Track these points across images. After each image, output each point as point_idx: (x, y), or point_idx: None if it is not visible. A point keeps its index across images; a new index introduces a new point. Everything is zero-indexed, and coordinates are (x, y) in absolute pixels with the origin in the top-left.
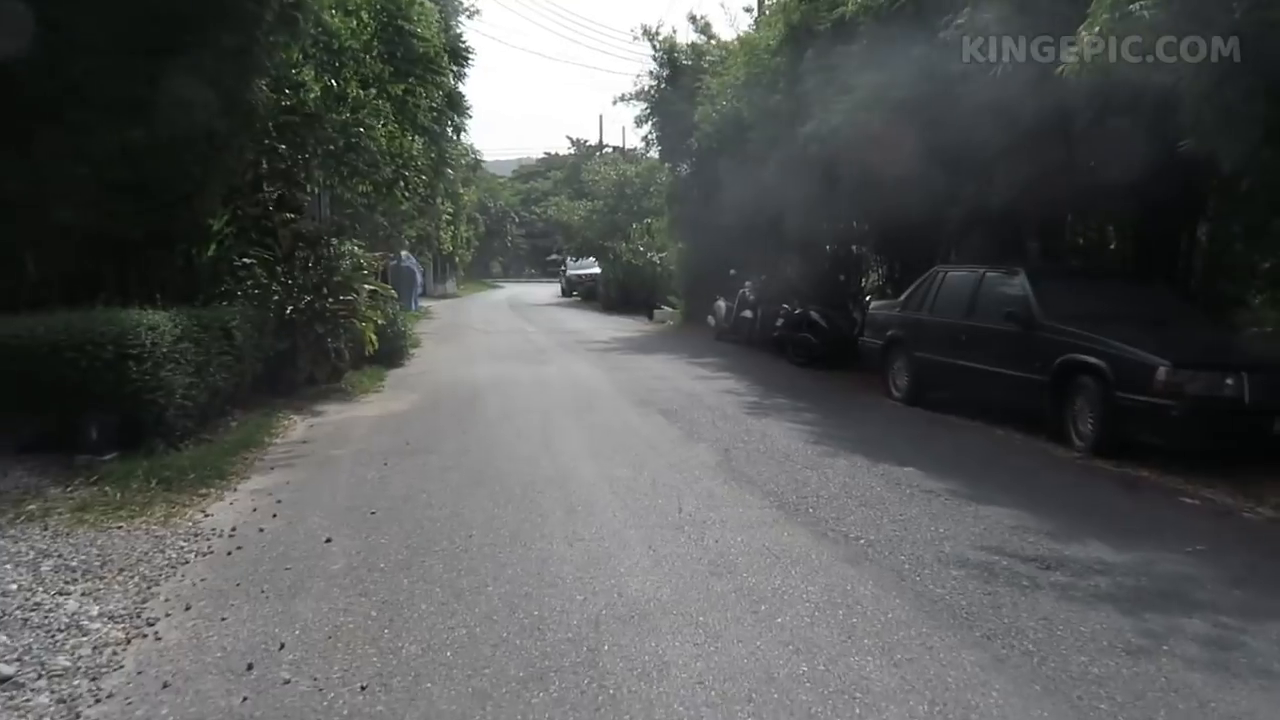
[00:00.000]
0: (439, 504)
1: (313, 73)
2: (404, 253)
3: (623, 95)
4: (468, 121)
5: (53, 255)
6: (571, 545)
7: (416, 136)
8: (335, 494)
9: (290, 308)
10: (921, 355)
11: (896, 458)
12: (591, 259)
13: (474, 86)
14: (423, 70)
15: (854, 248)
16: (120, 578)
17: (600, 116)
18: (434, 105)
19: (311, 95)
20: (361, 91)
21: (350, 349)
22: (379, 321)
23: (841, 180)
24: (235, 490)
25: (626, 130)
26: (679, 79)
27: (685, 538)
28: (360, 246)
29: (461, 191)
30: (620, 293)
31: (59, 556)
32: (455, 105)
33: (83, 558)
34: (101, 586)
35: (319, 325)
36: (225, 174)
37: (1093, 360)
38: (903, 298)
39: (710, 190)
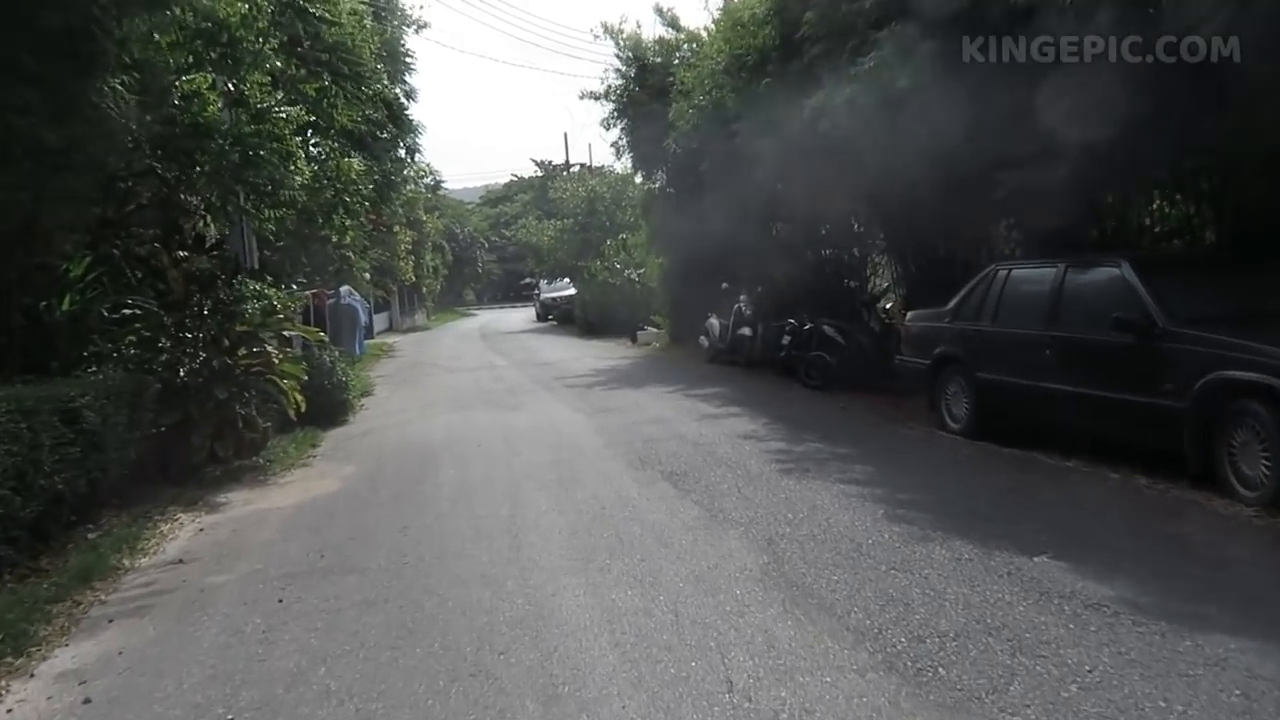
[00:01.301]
0: (342, 691)
1: (208, 79)
2: (344, 289)
3: (590, 93)
4: (420, 140)
5: None
6: None
7: (352, 155)
8: (184, 677)
9: (183, 369)
10: (986, 377)
11: (1013, 539)
12: (565, 280)
13: (432, 114)
14: (339, 63)
15: (855, 250)
16: None
17: (565, 135)
18: (365, 115)
19: (209, 105)
20: (264, 95)
21: (272, 412)
22: (302, 376)
23: (853, 163)
24: (30, 676)
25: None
26: (648, 78)
27: None
28: (293, 284)
29: (424, 218)
30: (598, 315)
31: None
32: (398, 118)
33: None
34: None
35: (220, 389)
36: (76, 202)
37: (1259, 379)
38: (951, 305)
39: (690, 197)
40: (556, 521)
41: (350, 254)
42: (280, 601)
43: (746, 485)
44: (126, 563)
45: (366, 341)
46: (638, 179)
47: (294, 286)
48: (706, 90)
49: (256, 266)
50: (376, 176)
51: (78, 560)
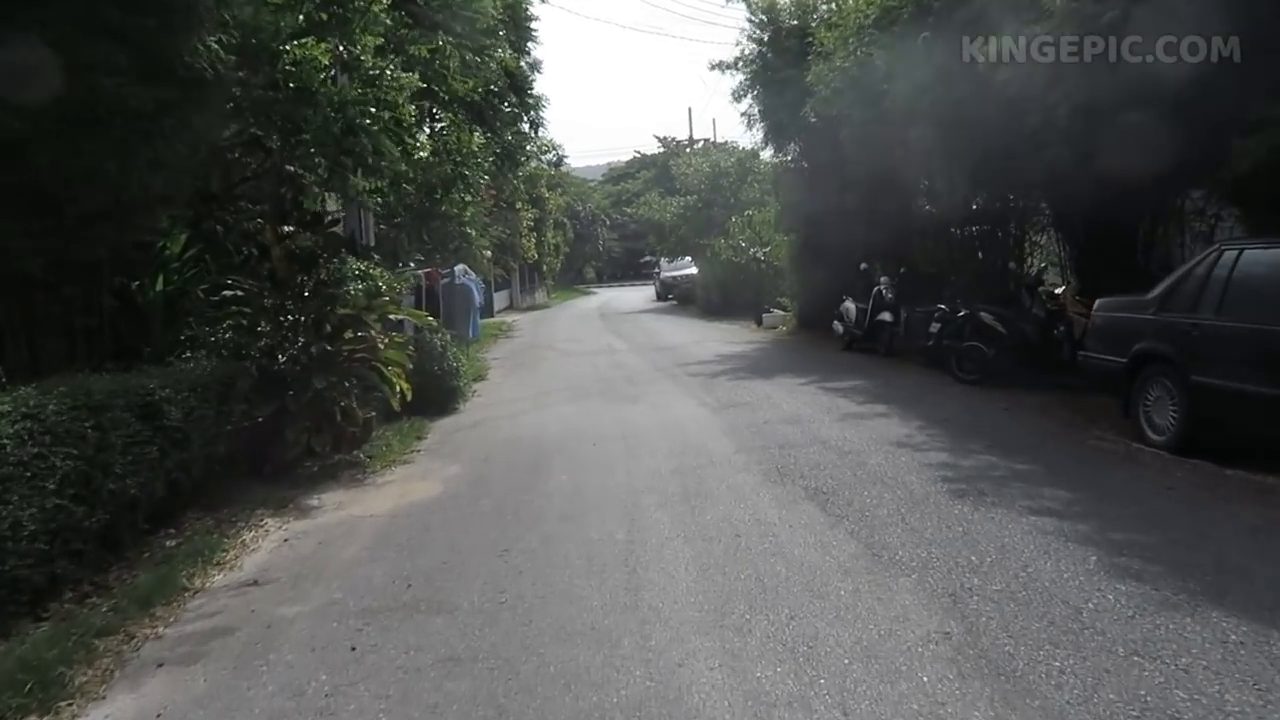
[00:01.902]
0: None
1: (320, 44)
2: (459, 268)
3: (720, 63)
4: (544, 114)
5: None
6: None
7: (473, 128)
8: None
9: (282, 355)
10: (1204, 381)
11: None
12: (687, 259)
13: (556, 89)
14: (454, 21)
15: (1012, 227)
16: None
17: (689, 109)
18: (485, 83)
19: (317, 66)
20: (375, 59)
21: (376, 402)
22: (407, 364)
23: (1032, 120)
24: None
25: (718, 122)
26: (783, 42)
27: None
28: (410, 262)
29: (547, 195)
30: (721, 295)
31: None
32: (520, 89)
33: None
34: None
35: (318, 378)
36: (170, 172)
37: None
38: (1157, 293)
39: (826, 170)
40: (682, 552)
41: (471, 230)
42: (353, 649)
43: (911, 512)
44: (198, 581)
45: (483, 321)
46: (767, 153)
47: (411, 264)
48: (850, 50)
49: (371, 243)
50: (497, 150)
51: (145, 578)
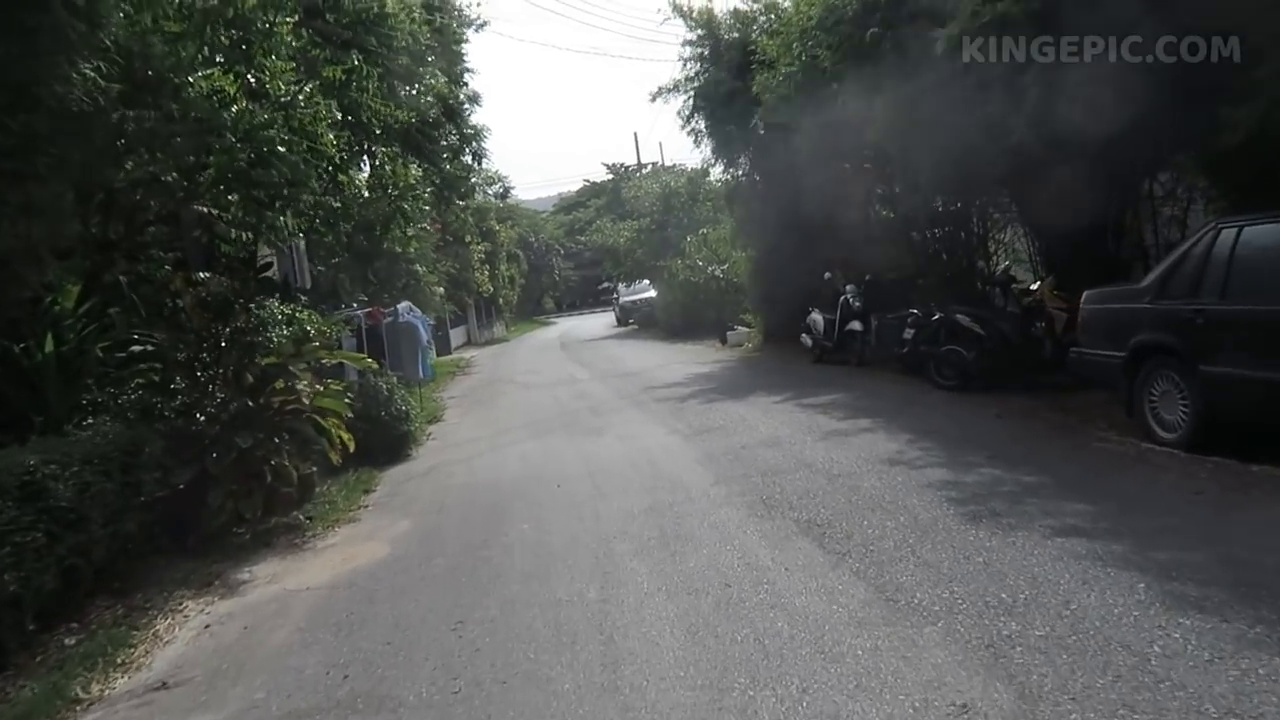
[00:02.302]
0: None
1: (228, 74)
2: (403, 305)
3: (660, 89)
4: (486, 145)
5: None
6: None
7: (409, 160)
8: None
9: (200, 415)
10: (1215, 371)
11: None
12: (645, 282)
13: (500, 123)
14: (368, 36)
15: (975, 226)
16: None
17: (635, 134)
18: (418, 112)
19: (224, 100)
20: (286, 85)
21: (316, 456)
22: (345, 412)
23: (999, 106)
24: None
25: (664, 145)
26: (724, 55)
27: None
28: (353, 303)
29: (497, 228)
30: (682, 316)
31: None
32: (455, 116)
33: None
34: None
35: (242, 436)
36: (50, 217)
37: None
38: (1151, 279)
39: (779, 180)
40: (665, 610)
41: (419, 267)
42: None
43: (920, 542)
44: (96, 688)
45: (438, 359)
46: (718, 169)
47: (354, 305)
48: (795, 55)
49: (306, 285)
50: (436, 180)
51: (30, 691)
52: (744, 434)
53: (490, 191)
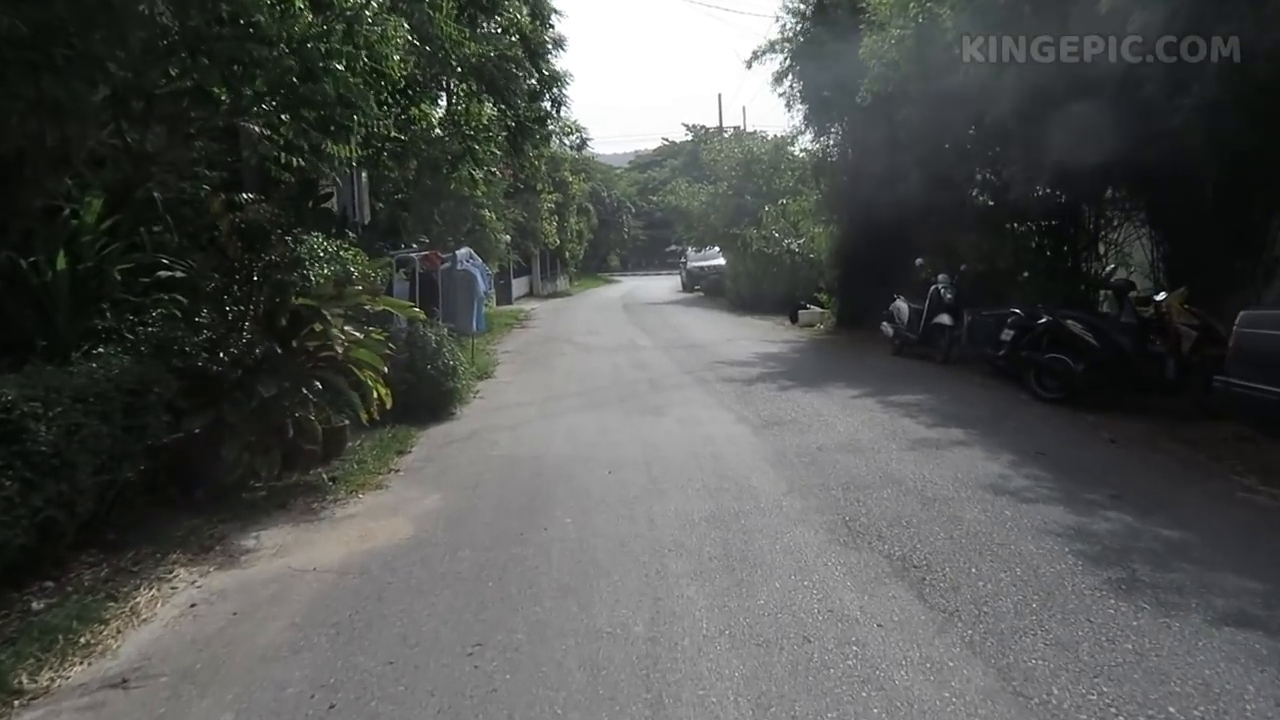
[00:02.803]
0: None
1: None
2: (463, 252)
3: (755, 53)
4: (567, 91)
5: None
6: None
7: (486, 100)
8: None
9: (222, 355)
10: None
11: None
12: (715, 249)
13: (581, 75)
14: None
15: (1088, 220)
16: None
17: (719, 96)
18: (500, 49)
19: (290, 7)
20: None
21: (347, 412)
22: (381, 367)
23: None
24: None
25: (748, 110)
26: (830, 13)
27: None
28: (413, 244)
29: (570, 179)
30: (751, 289)
31: None
32: (535, 54)
33: None
34: None
35: (265, 384)
36: (70, 119)
37: None
38: None
39: (875, 155)
40: (728, 665)
41: (487, 212)
42: None
43: (1047, 609)
44: (46, 677)
45: (499, 309)
46: (807, 137)
47: (413, 246)
48: (911, 15)
49: (365, 221)
50: (511, 123)
51: None
52: (819, 432)
53: (567, 141)
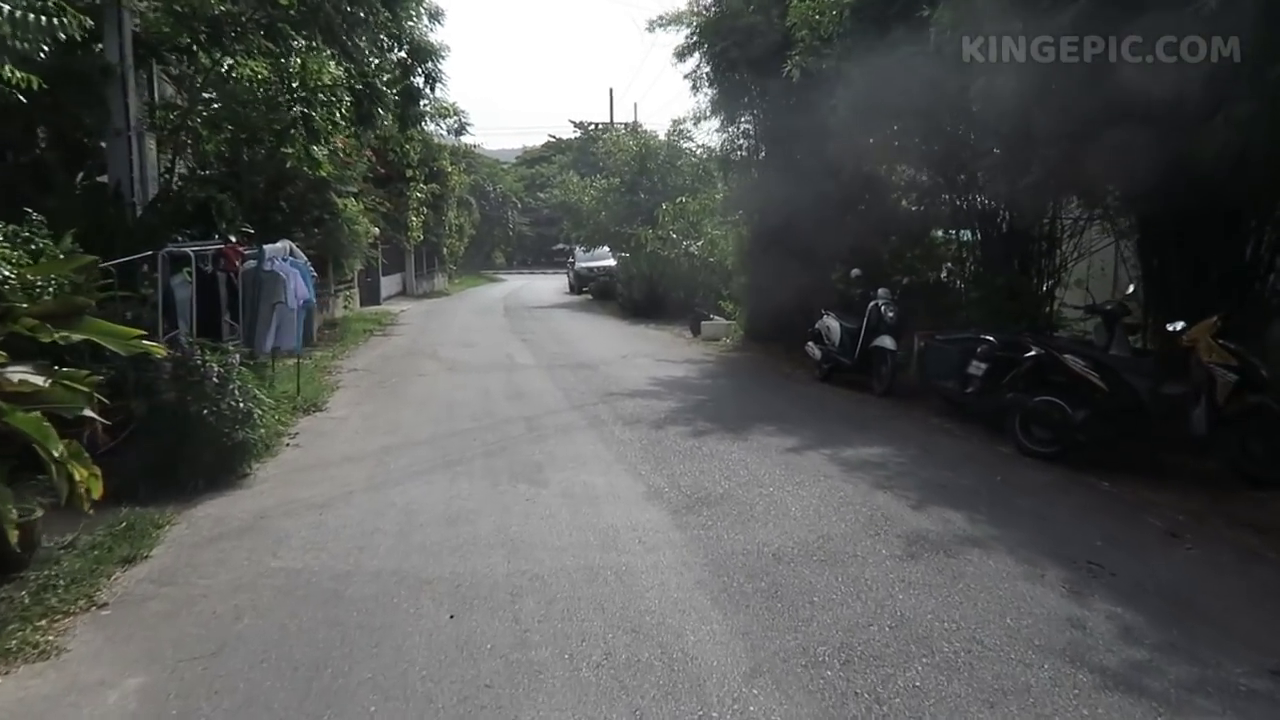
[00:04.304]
0: None
1: None
2: (278, 245)
3: (660, 18)
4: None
5: None
6: None
7: (331, 56)
8: None
9: None
10: None
11: None
12: (605, 249)
13: (461, 66)
14: None
15: (1048, 226)
16: None
17: (610, 90)
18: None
19: None
20: None
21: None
22: (45, 436)
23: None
24: None
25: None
26: None
27: None
28: (230, 235)
29: (449, 169)
30: (646, 293)
31: None
32: (398, 17)
33: None
34: None
35: None
36: None
37: None
38: None
39: (796, 144)
40: None
41: (350, 200)
42: None
43: None
44: None
45: (367, 310)
46: (712, 125)
47: (231, 238)
48: None
49: (149, 197)
50: (358, 85)
51: None
52: (768, 519)
53: (444, 125)
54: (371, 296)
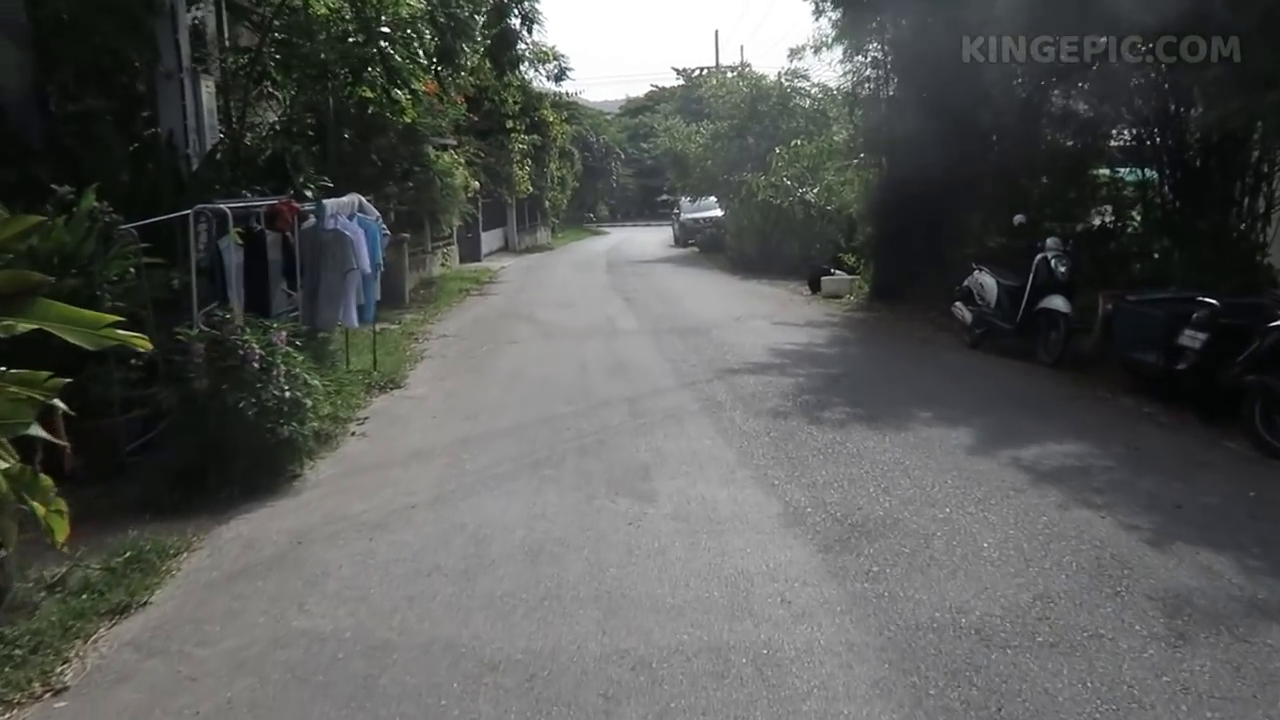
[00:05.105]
0: None
1: None
2: (342, 200)
3: None
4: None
5: None
6: None
7: None
8: None
9: None
10: None
11: None
12: (712, 199)
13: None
14: None
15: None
16: None
17: (716, 33)
18: None
19: None
20: None
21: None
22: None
23: None
24: None
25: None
26: None
27: None
28: (306, 188)
29: (550, 118)
30: (757, 246)
31: None
32: None
33: None
34: None
35: None
36: None
37: None
38: None
39: (935, 73)
40: None
41: (436, 152)
42: None
43: None
44: None
45: (468, 266)
46: (834, 55)
47: (307, 192)
48: None
49: (208, 150)
50: (441, 20)
51: None
52: (952, 564)
53: (542, 70)
54: (472, 253)
